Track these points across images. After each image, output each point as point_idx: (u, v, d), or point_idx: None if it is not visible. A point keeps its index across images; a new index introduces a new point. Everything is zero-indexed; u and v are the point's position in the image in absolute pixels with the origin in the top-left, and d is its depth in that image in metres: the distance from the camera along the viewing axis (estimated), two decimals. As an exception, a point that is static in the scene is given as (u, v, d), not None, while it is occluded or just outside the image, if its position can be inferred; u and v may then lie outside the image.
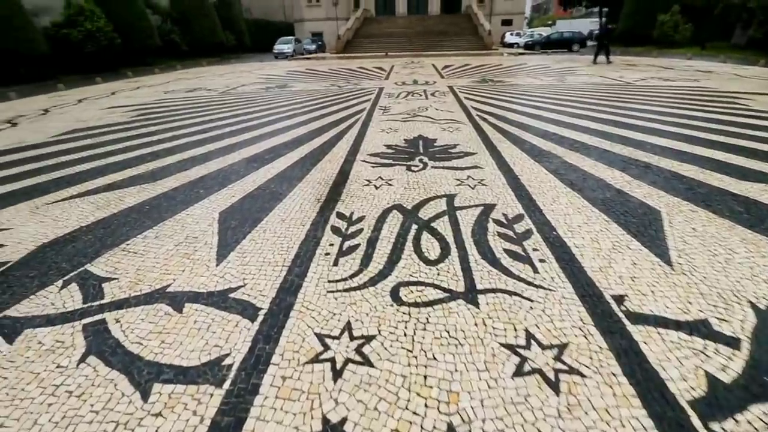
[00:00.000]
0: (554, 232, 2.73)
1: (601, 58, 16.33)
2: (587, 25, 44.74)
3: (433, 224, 2.88)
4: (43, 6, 21.46)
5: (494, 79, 11.44)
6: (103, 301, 2.21)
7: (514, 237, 2.68)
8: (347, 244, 2.67)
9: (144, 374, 1.74)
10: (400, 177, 3.85)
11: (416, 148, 4.80)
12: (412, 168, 4.09)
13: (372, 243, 2.66)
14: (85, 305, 2.19)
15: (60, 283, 2.38)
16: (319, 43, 36.74)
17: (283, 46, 29.96)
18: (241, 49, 39.07)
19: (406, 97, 8.67)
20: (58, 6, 19.40)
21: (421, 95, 8.84)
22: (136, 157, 4.85)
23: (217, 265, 2.49)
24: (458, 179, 3.74)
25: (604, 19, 12.64)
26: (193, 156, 4.83)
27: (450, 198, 3.32)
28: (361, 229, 2.85)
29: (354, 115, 6.89)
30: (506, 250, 2.52)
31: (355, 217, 3.04)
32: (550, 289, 2.16)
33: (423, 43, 30.64)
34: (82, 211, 3.34)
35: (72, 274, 2.46)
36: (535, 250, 2.52)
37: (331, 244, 2.67)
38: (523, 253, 2.48)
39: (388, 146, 4.91)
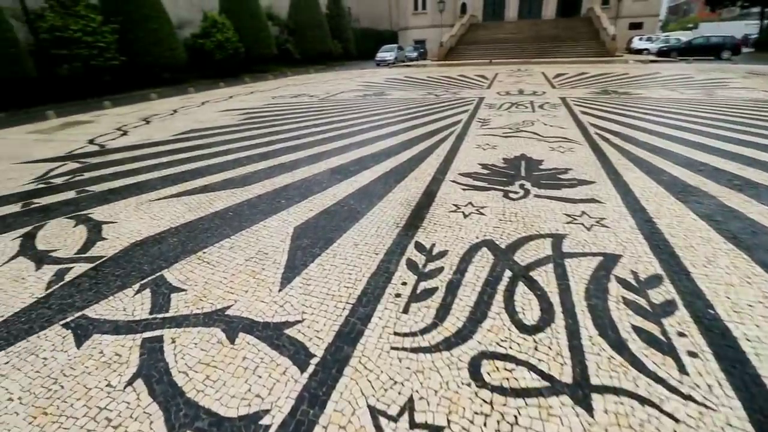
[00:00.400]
0: (711, 311, 1.95)
1: None
2: (741, 28, 37.43)
3: (532, 273, 2.31)
4: (188, 19, 25.24)
5: (618, 90, 9.92)
6: (166, 315, 2.14)
7: (649, 309, 1.98)
8: (423, 285, 2.26)
9: (180, 416, 1.56)
10: (495, 205, 3.31)
11: (517, 170, 4.17)
12: (511, 195, 3.50)
13: (452, 289, 2.21)
14: (150, 316, 2.14)
15: (137, 286, 2.41)
16: (421, 50, 36.92)
17: (385, 54, 30.72)
18: (346, 57, 41.28)
19: (508, 108, 7.92)
20: (199, 19, 22.63)
21: (526, 107, 7.99)
22: (233, 160, 5.09)
23: (279, 290, 2.29)
24: (569, 215, 3.06)
25: None
26: (283, 163, 4.89)
27: (557, 240, 2.69)
28: (442, 268, 2.41)
29: (448, 127, 6.44)
30: (636, 328, 1.85)
31: (435, 251, 2.61)
32: (706, 406, 1.47)
33: (532, 49, 28.66)
34: (176, 212, 3.50)
35: (149, 278, 2.49)
36: (681, 335, 1.81)
37: (404, 283, 2.28)
38: (662, 337, 1.80)
39: (484, 165, 4.36)
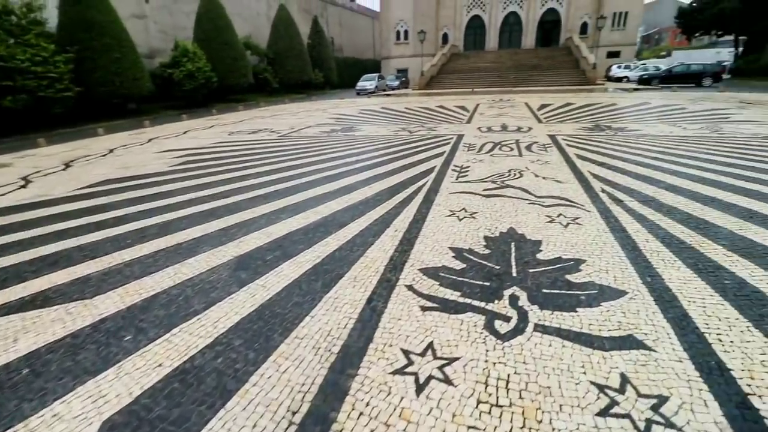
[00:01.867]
0: None
1: None
2: (711, 56, 38.28)
3: None
4: (160, 48, 24.22)
5: (612, 125, 8.89)
6: None
7: None
8: None
9: None
10: (472, 354, 1.93)
11: (506, 262, 2.83)
12: (497, 327, 2.13)
13: None
14: None
15: None
16: (403, 79, 36.64)
17: (366, 83, 30.13)
18: (329, 86, 40.84)
19: (491, 151, 6.71)
20: (170, 48, 21.59)
21: (511, 149, 6.80)
22: (116, 237, 3.65)
23: None
24: (606, 376, 1.70)
25: None
26: (183, 241, 3.47)
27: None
28: None
29: (417, 179, 5.14)
30: None
31: None
32: None
33: (514, 78, 28.39)
34: None
35: None
36: None
37: None
38: None
39: (458, 252, 3.01)
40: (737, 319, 2.09)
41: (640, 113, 10.73)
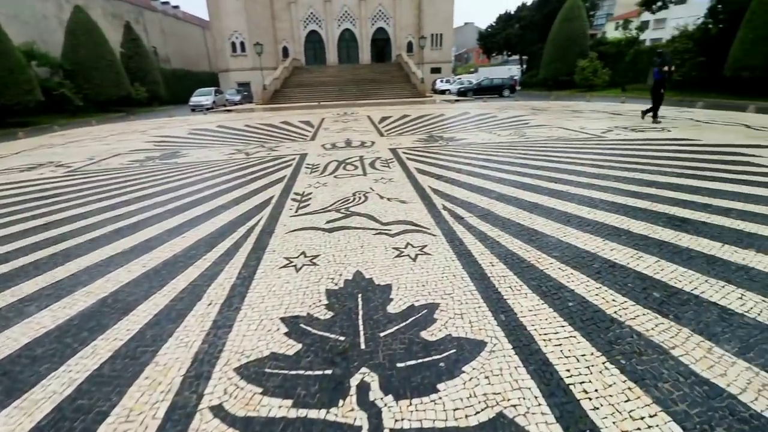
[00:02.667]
0: None
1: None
2: (505, 71, 47.64)
3: None
4: None
5: (444, 135, 9.57)
6: None
7: None
8: None
9: None
10: None
11: (352, 327, 2.24)
12: (341, 456, 1.49)
13: None
14: None
15: None
16: (245, 93, 34.39)
17: (201, 98, 27.05)
18: (157, 102, 35.39)
19: (335, 171, 6.25)
20: None
21: (356, 167, 6.48)
22: None
23: None
24: None
25: (659, 59, 9.96)
26: None
27: None
28: None
29: (246, 219, 4.24)
30: None
31: None
32: None
33: (356, 91, 29.51)
34: None
35: None
36: None
37: None
38: None
39: (291, 325, 2.30)
40: (592, 354, 1.94)
41: (463, 123, 12.00)
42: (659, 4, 23.50)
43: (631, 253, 3.00)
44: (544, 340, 2.06)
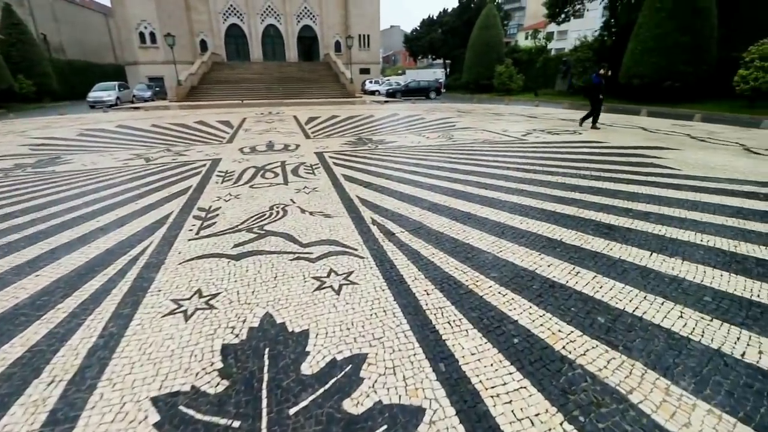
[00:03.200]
0: None
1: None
2: (431, 74, 49.24)
3: None
4: None
5: (373, 137, 9.19)
6: None
7: None
8: None
9: None
10: None
11: (253, 403, 1.69)
12: None
13: None
14: None
15: None
16: (156, 89, 31.01)
17: (102, 93, 23.70)
18: (48, 97, 30.38)
19: (251, 180, 5.51)
20: None
21: (276, 174, 5.80)
22: None
23: None
24: None
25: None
26: None
27: None
28: None
29: (127, 247, 3.39)
30: None
31: None
32: None
33: (283, 90, 28.13)
34: None
35: None
36: None
37: None
38: None
39: (166, 409, 1.68)
40: (547, 411, 1.62)
41: (392, 124, 11.78)
42: (563, 17, 25.76)
43: (569, 268, 2.83)
44: (492, 396, 1.70)
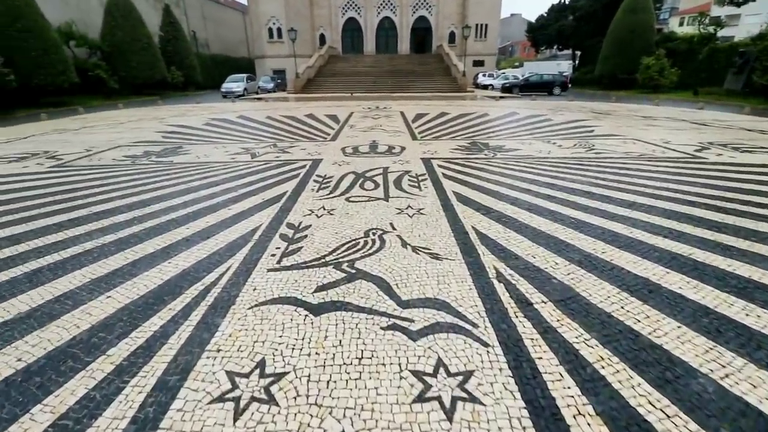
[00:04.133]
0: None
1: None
2: (554, 67, 44.28)
3: None
4: None
5: (489, 142, 7.95)
6: None
7: None
8: None
9: None
10: None
11: None
12: None
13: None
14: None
15: None
16: (278, 81, 33.60)
17: (232, 84, 26.43)
18: (193, 86, 35.38)
19: (349, 190, 4.86)
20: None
21: (377, 183, 5.07)
22: None
23: None
24: None
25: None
26: None
27: None
28: None
29: (201, 272, 2.93)
30: None
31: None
32: None
33: (392, 83, 27.95)
34: None
35: None
36: None
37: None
38: None
39: None
40: None
41: (512, 127, 10.26)
42: (746, -5, 20.25)
43: None
44: None
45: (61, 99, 21.26)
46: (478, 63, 37.74)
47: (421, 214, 3.97)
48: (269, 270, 2.88)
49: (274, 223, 3.76)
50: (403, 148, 7.35)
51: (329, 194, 4.66)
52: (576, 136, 8.55)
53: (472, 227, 3.60)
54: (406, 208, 4.12)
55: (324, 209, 4.14)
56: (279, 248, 3.22)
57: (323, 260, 3.01)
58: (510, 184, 4.97)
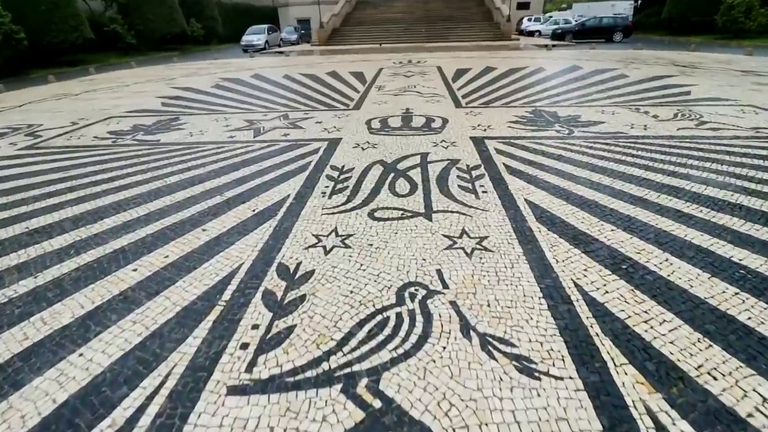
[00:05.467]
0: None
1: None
2: (608, 8, 38.68)
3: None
4: None
5: (557, 112, 6.15)
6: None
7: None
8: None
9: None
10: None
11: None
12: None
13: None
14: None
15: None
16: (302, 31, 31.23)
17: (252, 37, 24.56)
18: (215, 39, 33.67)
19: (372, 197, 3.44)
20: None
21: (413, 187, 3.61)
22: None
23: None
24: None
25: None
26: None
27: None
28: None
29: (151, 366, 1.72)
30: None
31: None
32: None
33: (426, 31, 25.09)
34: None
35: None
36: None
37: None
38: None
39: None
40: None
41: (581, 87, 8.20)
42: None
43: None
44: None
45: (77, 57, 20.33)
46: (523, 5, 33.53)
47: (485, 249, 2.54)
48: (228, 394, 1.61)
49: (259, 265, 2.47)
50: (445, 121, 5.72)
51: (346, 203, 3.28)
52: (671, 102, 6.52)
53: (574, 280, 2.16)
54: (460, 237, 2.69)
55: (336, 234, 2.79)
56: (254, 334, 1.93)
57: (324, 368, 1.71)
58: (611, 188, 3.37)
